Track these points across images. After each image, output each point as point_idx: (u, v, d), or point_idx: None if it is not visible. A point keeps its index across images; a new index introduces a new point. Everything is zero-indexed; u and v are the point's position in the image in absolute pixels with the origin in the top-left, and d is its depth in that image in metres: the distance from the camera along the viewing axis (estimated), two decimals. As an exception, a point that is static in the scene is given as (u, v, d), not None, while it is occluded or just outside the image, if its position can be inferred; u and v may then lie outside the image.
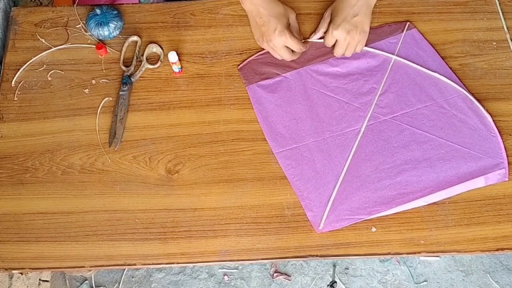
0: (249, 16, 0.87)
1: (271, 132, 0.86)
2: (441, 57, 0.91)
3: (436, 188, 0.81)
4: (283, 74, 0.90)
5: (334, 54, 0.89)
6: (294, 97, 0.89)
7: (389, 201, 0.80)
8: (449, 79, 0.89)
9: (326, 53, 0.92)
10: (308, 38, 0.93)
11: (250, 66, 0.91)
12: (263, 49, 0.92)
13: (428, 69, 0.90)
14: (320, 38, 0.92)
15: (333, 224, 0.79)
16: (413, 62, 0.91)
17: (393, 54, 0.91)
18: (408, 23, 0.94)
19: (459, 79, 0.89)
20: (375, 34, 0.93)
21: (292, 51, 0.88)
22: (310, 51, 0.92)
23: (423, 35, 0.93)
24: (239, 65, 0.92)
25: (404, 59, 0.91)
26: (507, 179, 0.82)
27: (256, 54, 0.92)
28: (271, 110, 0.88)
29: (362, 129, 0.86)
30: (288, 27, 0.87)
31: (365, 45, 0.89)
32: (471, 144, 0.84)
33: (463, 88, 0.88)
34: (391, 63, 0.91)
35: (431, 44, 0.92)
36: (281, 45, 0.85)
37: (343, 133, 0.86)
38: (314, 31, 0.93)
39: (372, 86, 0.89)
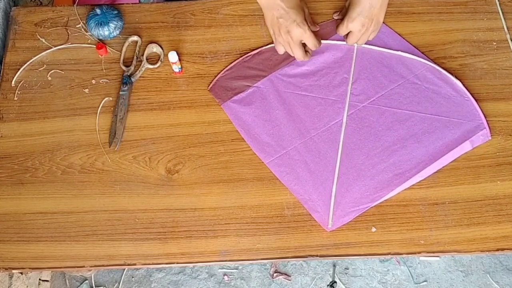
0: (264, 9, 0.85)
1: (257, 144, 0.85)
2: (398, 34, 0.93)
3: (429, 161, 0.82)
4: (254, 85, 0.90)
5: (347, 43, 0.89)
6: (270, 105, 0.88)
7: (388, 184, 0.81)
8: (412, 54, 0.91)
9: (290, 55, 0.91)
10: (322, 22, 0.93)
11: (219, 84, 0.90)
12: (235, 62, 0.91)
13: (390, 49, 0.92)
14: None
15: (341, 219, 0.79)
16: (375, 45, 0.92)
17: None
18: None
19: (421, 52, 0.91)
20: (331, 27, 0.93)
21: (305, 52, 0.87)
22: (274, 56, 0.91)
23: None
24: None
25: (366, 44, 0.91)
26: (490, 138, 0.85)
27: (223, 71, 0.91)
28: (251, 122, 0.87)
29: (344, 120, 0.86)
30: (306, 20, 0.85)
31: (325, 39, 0.91)
32: (449, 112, 0.86)
33: (427, 60, 0.90)
34: (355, 51, 0.92)
35: (386, 25, 0.94)
36: (299, 37, 0.83)
37: (327, 128, 0.86)
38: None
39: (343, 76, 0.90)
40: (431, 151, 0.83)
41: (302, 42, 0.85)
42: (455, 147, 0.83)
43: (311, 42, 0.85)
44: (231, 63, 0.92)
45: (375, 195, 0.81)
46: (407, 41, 0.93)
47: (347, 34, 0.88)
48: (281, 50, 0.88)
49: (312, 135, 0.86)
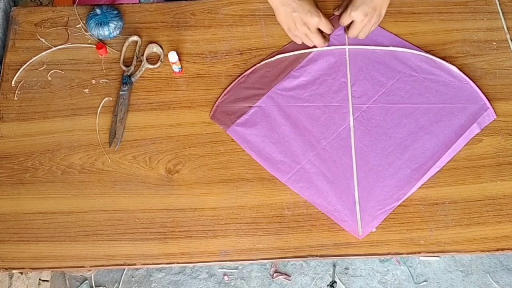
0: (276, 6, 0.86)
1: (271, 164, 0.84)
2: (384, 29, 0.93)
3: (442, 150, 0.83)
4: (255, 104, 0.88)
5: (349, 35, 0.90)
6: (275, 122, 0.87)
7: (408, 180, 0.81)
8: (403, 47, 0.91)
9: (284, 68, 0.91)
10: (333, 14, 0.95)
11: (220, 110, 0.88)
12: (231, 85, 0.90)
13: (381, 45, 0.92)
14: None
15: (370, 224, 0.79)
16: (366, 45, 0.92)
17: (344, 45, 0.92)
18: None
19: (411, 44, 0.92)
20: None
21: (323, 36, 0.88)
22: (269, 71, 0.91)
23: None
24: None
25: (356, 45, 0.92)
26: (495, 117, 0.86)
27: (221, 96, 0.89)
28: (260, 143, 0.85)
29: (351, 124, 0.86)
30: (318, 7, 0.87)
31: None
32: (451, 98, 0.87)
33: (419, 50, 0.91)
34: (347, 54, 0.92)
35: None
36: (315, 26, 0.86)
37: (336, 135, 0.86)
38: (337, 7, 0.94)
39: (341, 81, 0.90)
40: (442, 140, 0.84)
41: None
42: (464, 132, 0.84)
43: (327, 27, 0.87)
44: (228, 85, 0.90)
45: (398, 193, 0.81)
46: (396, 35, 0.93)
47: (348, 26, 0.89)
48: (299, 41, 0.90)
49: (323, 144, 0.85)
